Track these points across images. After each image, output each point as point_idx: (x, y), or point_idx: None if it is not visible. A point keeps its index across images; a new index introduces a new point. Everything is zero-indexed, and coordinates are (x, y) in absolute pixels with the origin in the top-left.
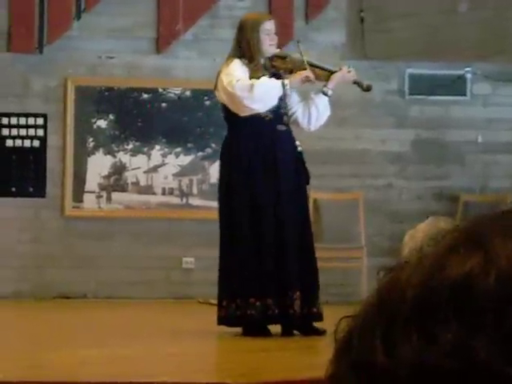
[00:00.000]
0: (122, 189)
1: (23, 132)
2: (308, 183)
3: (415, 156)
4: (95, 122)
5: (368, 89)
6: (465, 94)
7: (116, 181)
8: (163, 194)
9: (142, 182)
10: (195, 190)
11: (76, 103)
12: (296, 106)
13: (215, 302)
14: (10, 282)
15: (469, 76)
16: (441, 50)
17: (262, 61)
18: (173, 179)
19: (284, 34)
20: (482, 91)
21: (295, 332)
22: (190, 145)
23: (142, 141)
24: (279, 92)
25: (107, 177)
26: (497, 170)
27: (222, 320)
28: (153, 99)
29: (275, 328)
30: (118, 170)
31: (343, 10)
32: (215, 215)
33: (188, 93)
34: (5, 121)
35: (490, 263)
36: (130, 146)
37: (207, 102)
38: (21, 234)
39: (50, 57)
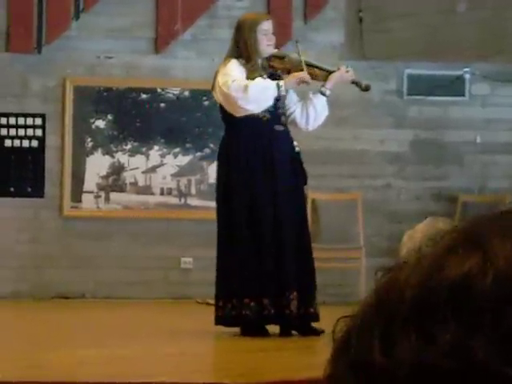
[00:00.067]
0: (121, 189)
1: (22, 132)
2: (306, 183)
3: (414, 156)
4: (94, 122)
5: (366, 89)
6: (463, 95)
7: (114, 181)
8: (161, 194)
9: (141, 183)
10: (193, 191)
11: (74, 103)
12: (294, 106)
13: (213, 302)
14: (8, 282)
15: (467, 76)
16: (439, 50)
17: (260, 61)
18: (171, 179)
19: (282, 34)
20: (480, 91)
21: (293, 332)
22: (188, 145)
23: (141, 141)
24: (274, 93)
25: (106, 177)
26: (495, 170)
27: (220, 320)
28: (151, 99)
29: (273, 328)
30: (117, 170)
31: (342, 10)
32: (214, 215)
33: (186, 93)
34: (3, 121)
35: (488, 263)
36: (129, 146)
37: (206, 103)
38: (19, 234)
39: (49, 57)
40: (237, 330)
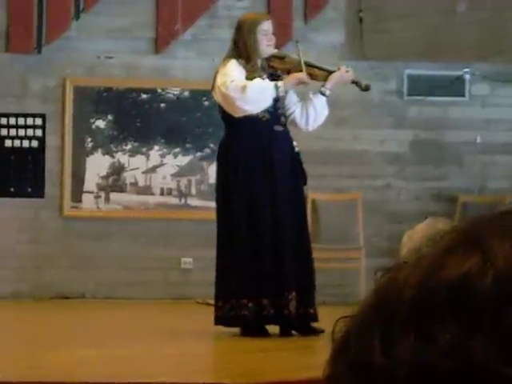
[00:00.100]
0: (121, 189)
1: (22, 132)
2: (305, 184)
3: (414, 156)
4: (94, 123)
5: (366, 88)
6: (463, 95)
7: (114, 181)
8: (162, 194)
9: (141, 183)
10: (194, 191)
11: (74, 103)
12: (294, 107)
13: (213, 302)
14: (8, 283)
15: (467, 77)
16: (439, 50)
17: (259, 61)
18: (171, 179)
19: (283, 35)
20: (480, 92)
21: (293, 332)
22: (188, 145)
23: (141, 141)
24: (272, 94)
25: (106, 177)
26: (495, 170)
27: (219, 320)
28: (151, 99)
29: (273, 328)
30: (117, 170)
31: (342, 10)
32: (214, 216)
33: (187, 93)
34: (3, 121)
35: (487, 263)
36: (129, 147)
37: (206, 103)
38: (19, 234)
39: (49, 57)
40: (237, 330)
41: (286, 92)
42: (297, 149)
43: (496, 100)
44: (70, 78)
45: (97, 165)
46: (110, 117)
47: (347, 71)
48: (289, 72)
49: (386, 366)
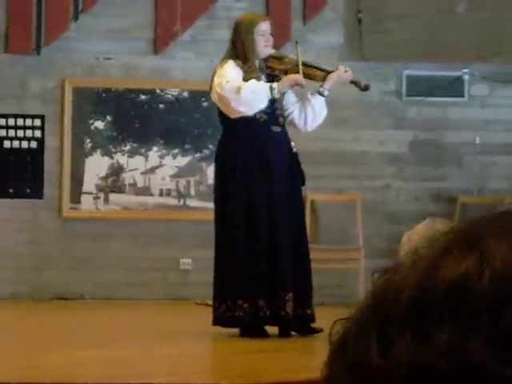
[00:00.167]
0: (120, 190)
1: (21, 133)
2: (304, 184)
3: (413, 157)
4: (93, 123)
5: (366, 88)
6: (462, 96)
7: (113, 182)
8: (161, 195)
9: (140, 183)
10: (193, 192)
11: (73, 104)
12: (292, 107)
13: (212, 302)
14: (7, 284)
15: (466, 77)
16: (438, 51)
17: (257, 62)
18: (170, 180)
19: (281, 35)
20: (479, 92)
21: (292, 333)
22: (187, 146)
23: (140, 142)
24: (267, 95)
25: (105, 178)
26: (495, 171)
27: (217, 321)
28: (150, 100)
29: (273, 329)
30: (116, 171)
31: (341, 11)
32: (212, 216)
33: (185, 94)
34: (2, 122)
35: (484, 264)
36: (128, 148)
37: (205, 103)
38: (18, 235)
39: (48, 58)
40: (236, 331)
41: (283, 93)
42: (295, 149)
43: (495, 100)
44: (69, 79)
45: (96, 166)
46: (108, 117)
47: (346, 71)
48: (286, 73)
49: (384, 367)
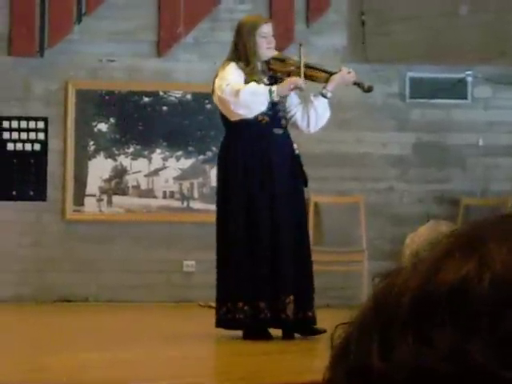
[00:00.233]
0: (123, 192)
1: (24, 135)
2: (306, 186)
3: (416, 159)
4: (96, 126)
5: (369, 89)
6: (466, 98)
7: (117, 184)
8: (164, 197)
9: (143, 186)
10: (196, 194)
11: (77, 106)
12: (295, 109)
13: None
14: (10, 286)
15: (470, 79)
16: (442, 53)
17: (259, 64)
18: (173, 183)
19: (285, 38)
20: (482, 94)
21: (296, 334)
22: (190, 148)
23: (143, 144)
24: (266, 99)
25: (108, 180)
26: (498, 173)
27: (220, 323)
28: (153, 103)
29: (276, 331)
30: (119, 173)
31: (344, 13)
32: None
33: (189, 96)
34: (6, 124)
35: (484, 267)
36: (131, 150)
37: (208, 106)
38: (22, 237)
39: (51, 60)
40: (239, 333)
41: (285, 96)
42: (297, 151)
43: (498, 102)
44: (73, 82)
45: (99, 168)
46: (112, 120)
47: (349, 72)
48: (289, 75)
49: (385, 370)
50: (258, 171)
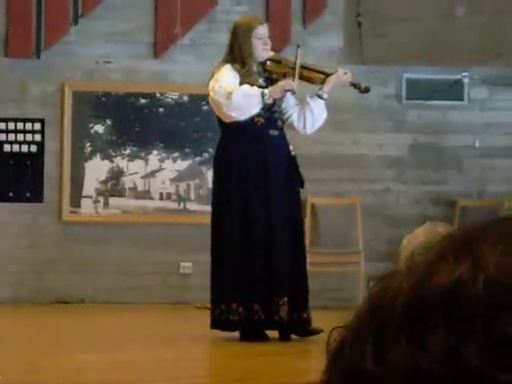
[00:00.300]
0: (120, 194)
1: (21, 137)
2: (303, 187)
3: (413, 160)
4: (92, 127)
5: (366, 90)
6: (462, 99)
7: (113, 186)
8: (160, 198)
9: (140, 187)
10: (192, 195)
11: (73, 108)
12: (291, 110)
13: None
14: (7, 287)
15: (466, 81)
16: (438, 54)
17: (255, 66)
18: (170, 184)
19: (281, 39)
20: (479, 96)
21: (293, 336)
22: (187, 150)
23: (140, 146)
24: (258, 101)
25: (104, 182)
26: (494, 174)
27: (215, 324)
28: (150, 104)
29: (273, 333)
30: (116, 175)
31: (340, 15)
32: None
33: (185, 98)
34: (2, 126)
35: (478, 270)
36: (128, 151)
37: (205, 107)
38: (18, 239)
39: (48, 62)
40: (236, 334)
41: (281, 98)
42: (293, 153)
43: (495, 104)
44: (69, 83)
45: (96, 169)
46: (108, 121)
47: (345, 73)
48: (285, 76)
49: (379, 373)
50: (254, 172)
